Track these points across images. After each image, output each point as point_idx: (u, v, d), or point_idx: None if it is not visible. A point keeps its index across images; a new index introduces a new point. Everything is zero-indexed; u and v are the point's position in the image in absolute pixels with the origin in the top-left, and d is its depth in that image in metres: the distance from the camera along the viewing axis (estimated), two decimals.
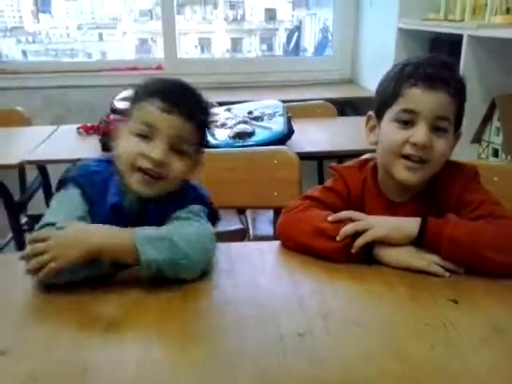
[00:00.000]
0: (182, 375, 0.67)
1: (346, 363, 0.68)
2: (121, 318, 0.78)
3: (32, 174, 2.16)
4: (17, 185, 2.13)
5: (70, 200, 0.94)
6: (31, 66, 3.11)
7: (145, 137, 0.91)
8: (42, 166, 1.93)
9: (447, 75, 0.93)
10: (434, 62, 0.96)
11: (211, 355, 0.70)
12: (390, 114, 0.96)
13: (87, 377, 0.65)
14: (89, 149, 1.78)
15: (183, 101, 0.92)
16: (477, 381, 0.65)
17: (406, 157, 0.94)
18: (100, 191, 0.95)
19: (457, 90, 0.94)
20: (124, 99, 1.83)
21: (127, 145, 0.92)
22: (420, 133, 0.92)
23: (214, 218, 1.01)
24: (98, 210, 0.94)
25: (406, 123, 0.94)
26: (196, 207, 0.95)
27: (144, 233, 0.85)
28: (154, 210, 0.94)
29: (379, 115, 1.00)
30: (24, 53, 3.48)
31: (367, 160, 1.08)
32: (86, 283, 0.85)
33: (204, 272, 0.89)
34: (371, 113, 1.04)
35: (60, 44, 3.55)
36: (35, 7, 3.55)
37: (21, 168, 2.00)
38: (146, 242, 0.83)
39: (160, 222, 0.92)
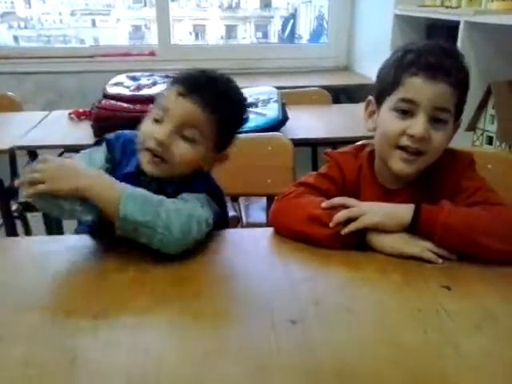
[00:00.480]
0: (172, 361, 0.66)
1: (338, 350, 0.68)
2: (112, 304, 0.77)
3: (23, 160, 2.13)
4: (7, 170, 2.11)
5: (93, 154, 1.01)
6: (23, 51, 3.08)
7: (159, 120, 0.93)
8: (32, 152, 1.90)
9: (449, 65, 0.91)
10: (436, 49, 0.93)
11: (202, 341, 0.69)
12: (389, 102, 0.95)
13: (77, 362, 0.64)
14: (80, 134, 1.76)
15: (202, 89, 0.93)
16: (470, 366, 0.65)
17: (403, 148, 0.93)
18: (126, 157, 1.01)
19: (459, 80, 0.91)
20: (116, 84, 1.81)
21: (144, 126, 0.96)
22: (418, 124, 0.90)
23: (221, 219, 1.02)
24: (118, 175, 0.96)
25: (405, 113, 0.92)
26: (201, 196, 0.96)
27: (134, 190, 0.87)
28: (163, 191, 0.94)
29: (379, 101, 0.98)
30: (16, 38, 3.45)
31: (363, 146, 1.07)
32: (77, 270, 0.84)
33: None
34: (371, 98, 1.02)
35: (52, 30, 3.53)
36: None
37: (11, 153, 1.98)
38: (132, 198, 0.85)
39: None
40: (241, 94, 1.00)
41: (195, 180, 0.98)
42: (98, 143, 1.05)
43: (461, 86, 0.92)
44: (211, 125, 0.94)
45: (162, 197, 0.89)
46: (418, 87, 0.90)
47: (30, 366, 0.64)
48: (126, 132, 1.05)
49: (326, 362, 0.65)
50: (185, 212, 0.88)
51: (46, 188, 0.84)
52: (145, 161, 0.94)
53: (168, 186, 0.96)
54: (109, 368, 0.64)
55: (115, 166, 1.01)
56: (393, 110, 0.94)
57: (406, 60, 0.92)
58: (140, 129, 0.96)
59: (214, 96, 0.93)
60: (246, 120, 1.02)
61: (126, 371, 0.64)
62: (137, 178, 0.97)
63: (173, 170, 0.95)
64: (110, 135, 1.05)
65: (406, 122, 0.92)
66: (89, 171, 0.90)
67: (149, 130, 0.94)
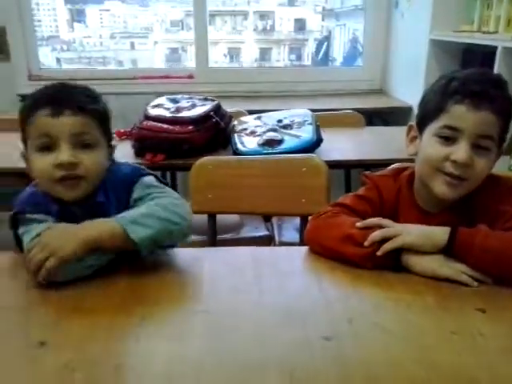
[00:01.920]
0: (210, 373, 0.68)
1: (371, 368, 0.69)
2: (152, 313, 0.81)
3: None
4: None
5: (33, 225, 0.93)
6: (66, 73, 3.21)
7: (47, 149, 0.93)
8: None
9: (494, 93, 0.92)
10: (481, 78, 0.94)
11: (239, 357, 0.71)
12: (432, 128, 0.96)
13: (121, 370, 0.68)
14: (122, 153, 1.79)
15: (67, 99, 0.95)
16: None
17: (446, 173, 0.94)
18: (43, 209, 0.96)
19: (503, 109, 0.93)
20: (157, 106, 1.87)
21: (38, 164, 0.94)
22: (461, 151, 0.92)
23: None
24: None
25: (448, 139, 0.94)
26: (144, 180, 1.01)
27: (127, 217, 0.91)
28: (96, 208, 0.97)
29: (421, 127, 1.00)
30: (58, 60, 3.58)
31: (402, 169, 1.08)
32: (119, 281, 0.88)
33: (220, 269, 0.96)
34: (413, 123, 1.04)
35: (93, 52, 3.65)
36: (70, 17, 3.67)
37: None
38: (132, 223, 0.89)
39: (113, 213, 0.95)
40: (87, 87, 1.01)
41: (110, 175, 1.01)
42: (18, 225, 0.96)
43: (504, 114, 0.93)
44: (92, 124, 0.96)
45: (145, 205, 0.94)
46: (462, 115, 0.92)
47: (76, 371, 0.67)
48: (17, 199, 0.99)
49: (358, 379, 0.66)
50: (172, 202, 0.95)
51: (56, 261, 0.84)
52: (60, 190, 0.94)
53: (94, 202, 0.98)
54: (150, 375, 0.67)
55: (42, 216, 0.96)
56: (435, 135, 0.95)
57: (450, 87, 0.94)
58: (34, 171, 0.95)
59: (77, 99, 0.95)
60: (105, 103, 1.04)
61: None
62: (66, 217, 0.95)
63: (89, 184, 0.96)
64: (16, 211, 0.96)
65: (449, 148, 0.94)
66: (81, 225, 0.90)
67: (49, 163, 0.92)
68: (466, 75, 0.95)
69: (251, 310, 0.83)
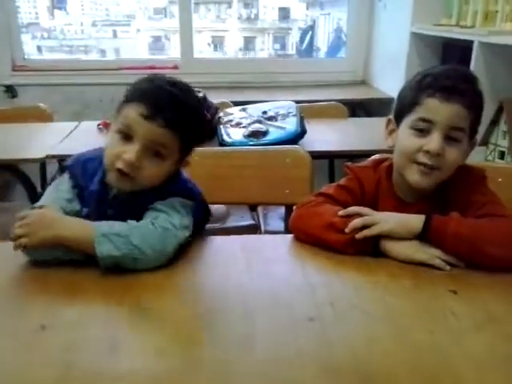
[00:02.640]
0: (198, 353, 0.73)
1: (352, 346, 0.74)
2: (145, 299, 0.85)
3: (51, 167, 2.23)
4: (37, 177, 2.21)
5: (59, 186, 1.05)
6: (50, 63, 3.20)
7: (125, 136, 0.95)
8: (63, 160, 2.00)
9: (464, 87, 0.97)
10: (452, 73, 1.00)
11: (225, 335, 0.76)
12: (408, 120, 1.02)
13: (117, 351, 0.72)
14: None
15: (164, 109, 0.93)
16: (474, 364, 0.70)
17: (419, 163, 1.00)
18: (90, 177, 1.03)
19: (473, 102, 0.98)
20: None
21: (110, 144, 0.97)
22: (433, 142, 0.97)
23: (204, 213, 1.08)
24: (86, 195, 1.03)
25: (422, 131, 0.99)
26: (176, 200, 1.00)
27: (103, 228, 0.91)
28: (134, 201, 0.99)
29: (398, 120, 1.06)
30: (39, 48, 3.55)
31: (381, 160, 1.13)
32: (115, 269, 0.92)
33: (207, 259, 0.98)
34: (391, 117, 1.09)
35: (74, 40, 3.61)
36: (51, 4, 3.62)
37: (42, 162, 2.09)
38: (104, 237, 0.90)
39: (141, 211, 0.98)
40: (201, 109, 1.01)
41: (166, 186, 1.01)
42: (62, 170, 1.09)
43: (475, 107, 0.99)
44: (177, 141, 0.97)
45: (131, 223, 0.94)
46: (435, 107, 0.97)
47: (76, 353, 0.72)
48: (84, 153, 1.08)
49: (341, 356, 0.72)
50: (157, 230, 0.93)
51: (27, 242, 0.91)
52: (114, 179, 0.97)
53: (138, 197, 0.99)
54: (144, 356, 0.72)
55: (81, 189, 1.04)
56: (410, 128, 1.01)
57: (424, 82, 1.00)
58: (107, 148, 0.97)
59: (179, 117, 0.95)
60: (206, 128, 1.05)
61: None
62: (102, 194, 1.01)
63: (143, 184, 0.98)
64: (69, 161, 1.08)
65: (423, 139, 0.99)
66: (62, 220, 0.94)
67: (117, 151, 0.94)
68: (439, 71, 1.01)
69: (240, 295, 0.88)
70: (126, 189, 0.98)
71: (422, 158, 0.99)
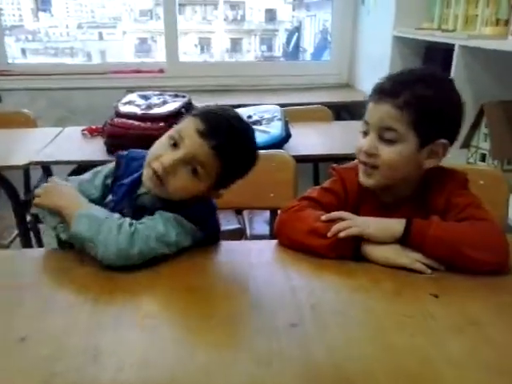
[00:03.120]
0: (183, 359, 0.73)
1: (333, 350, 0.75)
2: (129, 304, 0.86)
3: (35, 173, 2.22)
4: (21, 183, 2.19)
5: (100, 169, 1.14)
6: (35, 68, 3.17)
7: (173, 144, 0.98)
8: (46, 167, 1.99)
9: (398, 89, 0.97)
10: (396, 76, 1.02)
11: (208, 341, 0.77)
12: None
13: (99, 360, 0.72)
14: (93, 150, 1.85)
15: (221, 134, 0.96)
16: (454, 367, 0.71)
17: (362, 162, 1.04)
18: (128, 172, 1.09)
19: (409, 103, 0.96)
20: (128, 103, 1.90)
21: (157, 144, 1.02)
22: (366, 141, 1.01)
23: (210, 239, 1.08)
24: (116, 187, 1.09)
25: (366, 133, 1.03)
26: (171, 216, 0.99)
27: (90, 209, 0.99)
28: (152, 208, 1.01)
29: None
30: (23, 51, 3.51)
31: None
32: (95, 275, 0.92)
33: (196, 262, 0.99)
34: None
35: (60, 43, 3.59)
36: (35, 6, 3.59)
37: (26, 168, 2.07)
38: (84, 217, 0.95)
39: None
40: (254, 147, 1.04)
41: (186, 206, 1.01)
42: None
43: (412, 106, 0.96)
44: (218, 167, 0.98)
45: (112, 215, 0.97)
46: (370, 109, 1.02)
47: (57, 363, 0.71)
48: (138, 151, 1.12)
49: (321, 360, 0.72)
50: (130, 229, 0.94)
51: (38, 201, 1.03)
52: (147, 176, 1.00)
53: (158, 205, 1.02)
54: (127, 365, 0.72)
55: (118, 178, 1.10)
56: (361, 131, 1.05)
57: (372, 89, 1.03)
58: (152, 147, 1.02)
59: (230, 144, 0.97)
60: (249, 170, 1.05)
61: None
62: (130, 191, 1.06)
63: (168, 194, 0.99)
64: (123, 152, 1.15)
65: (364, 140, 1.03)
66: (71, 194, 1.03)
67: (159, 153, 0.98)
68: (386, 77, 1.03)
69: (222, 300, 0.88)
70: (154, 191, 1.01)
71: (362, 157, 1.03)
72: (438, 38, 2.01)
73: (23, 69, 3.13)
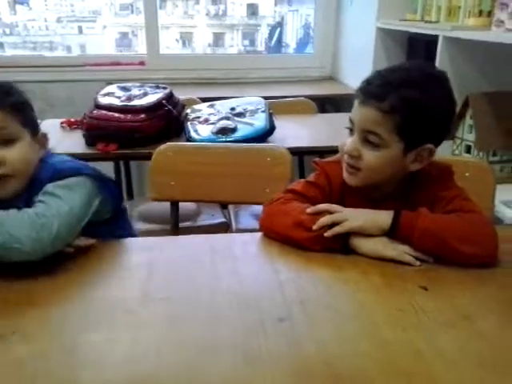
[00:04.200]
0: (168, 353, 0.71)
1: (323, 345, 0.73)
2: (111, 302, 0.82)
3: None
4: None
5: None
6: (11, 60, 3.09)
7: None
8: None
9: (385, 92, 0.93)
10: (378, 76, 0.97)
11: (194, 337, 0.74)
12: None
13: (81, 359, 0.69)
14: (72, 143, 1.80)
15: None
16: (445, 361, 0.70)
17: (345, 161, 1.02)
18: None
19: (394, 107, 0.92)
20: (108, 94, 1.85)
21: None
22: (349, 143, 0.99)
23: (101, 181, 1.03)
24: None
25: (351, 131, 1.01)
26: (50, 186, 0.95)
27: None
28: (9, 206, 0.93)
29: None
30: (1, 45, 3.44)
31: None
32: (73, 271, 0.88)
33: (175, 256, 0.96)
34: None
35: (38, 37, 3.52)
36: None
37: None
38: None
39: None
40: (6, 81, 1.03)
41: (34, 179, 0.99)
42: None
43: (398, 111, 0.92)
44: (7, 118, 0.96)
45: (4, 213, 0.89)
46: (355, 109, 0.99)
47: (39, 359, 0.68)
48: None
49: (312, 357, 0.70)
50: (30, 218, 0.88)
51: None
52: None
53: (13, 201, 0.96)
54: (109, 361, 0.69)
55: None
56: (346, 126, 1.02)
57: (360, 85, 1.01)
58: None
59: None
60: (24, 95, 1.05)
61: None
62: None
63: (19, 180, 0.97)
64: None
65: (348, 139, 1.00)
66: None
67: None
68: (374, 74, 0.99)
69: (207, 295, 0.85)
70: (9, 192, 0.96)
71: (345, 157, 1.01)
72: (422, 29, 2.00)
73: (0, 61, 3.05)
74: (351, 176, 1.02)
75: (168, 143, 1.53)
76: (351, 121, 1.00)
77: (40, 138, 1.04)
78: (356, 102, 0.99)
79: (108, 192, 1.04)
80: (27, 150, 0.98)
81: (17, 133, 0.97)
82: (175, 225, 1.55)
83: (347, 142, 1.00)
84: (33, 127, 1.02)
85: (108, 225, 1.07)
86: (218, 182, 1.49)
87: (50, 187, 0.95)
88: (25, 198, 0.97)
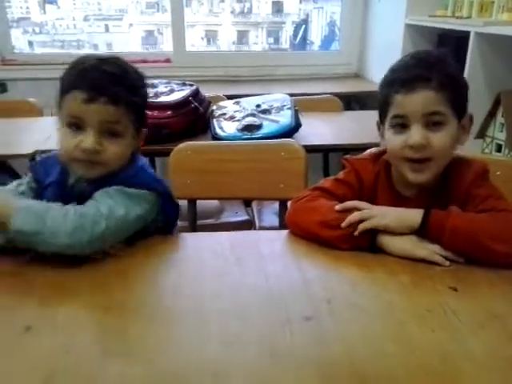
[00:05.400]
0: (195, 352, 0.70)
1: (349, 345, 0.72)
2: (137, 297, 0.83)
3: None
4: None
5: (19, 181, 1.08)
6: (41, 57, 3.15)
7: (76, 127, 0.95)
8: None
9: (425, 73, 0.94)
10: (410, 62, 0.98)
11: (220, 336, 0.74)
12: (387, 121, 1.00)
13: (108, 353, 0.69)
14: None
15: (104, 87, 0.94)
16: (475, 363, 0.68)
17: (409, 159, 0.97)
18: (50, 172, 1.05)
19: (442, 82, 0.94)
20: None
21: (63, 138, 0.97)
22: (414, 135, 0.95)
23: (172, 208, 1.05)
24: (48, 189, 1.04)
25: (401, 127, 0.97)
26: (114, 188, 0.96)
27: (26, 203, 0.92)
28: (90, 190, 0.98)
29: (382, 122, 1.04)
30: (30, 43, 3.50)
31: (381, 153, 1.10)
32: (104, 265, 0.89)
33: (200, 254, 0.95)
34: (378, 119, 1.07)
35: (66, 35, 3.58)
36: None
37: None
38: (21, 211, 0.88)
39: None
40: (127, 73, 1.00)
41: (120, 173, 1.00)
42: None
43: (447, 86, 0.95)
44: (124, 114, 0.97)
45: (51, 204, 0.91)
46: (402, 102, 0.96)
47: (70, 353, 0.69)
48: (42, 155, 1.10)
49: (337, 356, 0.69)
50: (74, 215, 0.89)
51: None
52: (77, 168, 0.98)
53: (94, 184, 0.98)
54: None
55: (41, 182, 1.05)
56: (390, 127, 0.99)
57: (388, 80, 0.99)
58: (61, 144, 0.98)
59: (114, 88, 0.94)
60: (146, 91, 1.05)
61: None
62: (61, 184, 1.02)
63: (107, 168, 0.98)
64: (31, 163, 1.12)
65: (404, 135, 0.97)
66: (2, 196, 0.97)
67: (74, 143, 0.95)
68: (400, 64, 0.99)
69: (233, 292, 0.85)
70: (92, 176, 0.98)
71: (409, 153, 0.97)
72: (453, 25, 1.96)
73: (29, 58, 3.11)
74: (418, 173, 0.98)
75: (185, 142, 1.53)
76: (399, 116, 0.97)
77: (141, 134, 1.05)
78: (398, 97, 0.96)
79: (167, 211, 1.05)
80: (127, 147, 1.00)
81: (126, 130, 0.98)
82: (193, 223, 1.55)
83: (402, 140, 0.97)
84: (141, 125, 1.03)
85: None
86: (234, 178, 1.50)
87: (111, 190, 0.96)
88: (103, 186, 0.97)
